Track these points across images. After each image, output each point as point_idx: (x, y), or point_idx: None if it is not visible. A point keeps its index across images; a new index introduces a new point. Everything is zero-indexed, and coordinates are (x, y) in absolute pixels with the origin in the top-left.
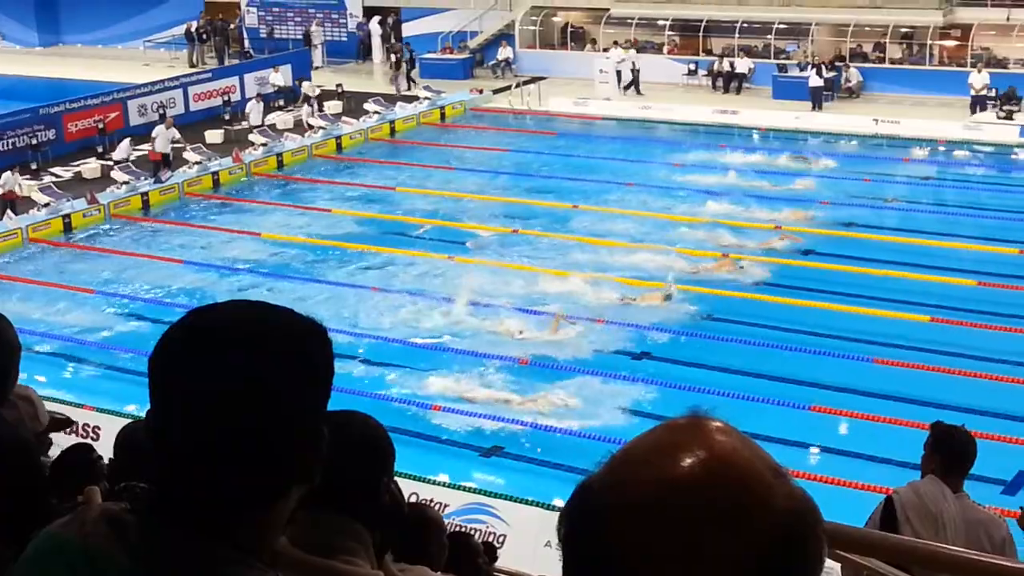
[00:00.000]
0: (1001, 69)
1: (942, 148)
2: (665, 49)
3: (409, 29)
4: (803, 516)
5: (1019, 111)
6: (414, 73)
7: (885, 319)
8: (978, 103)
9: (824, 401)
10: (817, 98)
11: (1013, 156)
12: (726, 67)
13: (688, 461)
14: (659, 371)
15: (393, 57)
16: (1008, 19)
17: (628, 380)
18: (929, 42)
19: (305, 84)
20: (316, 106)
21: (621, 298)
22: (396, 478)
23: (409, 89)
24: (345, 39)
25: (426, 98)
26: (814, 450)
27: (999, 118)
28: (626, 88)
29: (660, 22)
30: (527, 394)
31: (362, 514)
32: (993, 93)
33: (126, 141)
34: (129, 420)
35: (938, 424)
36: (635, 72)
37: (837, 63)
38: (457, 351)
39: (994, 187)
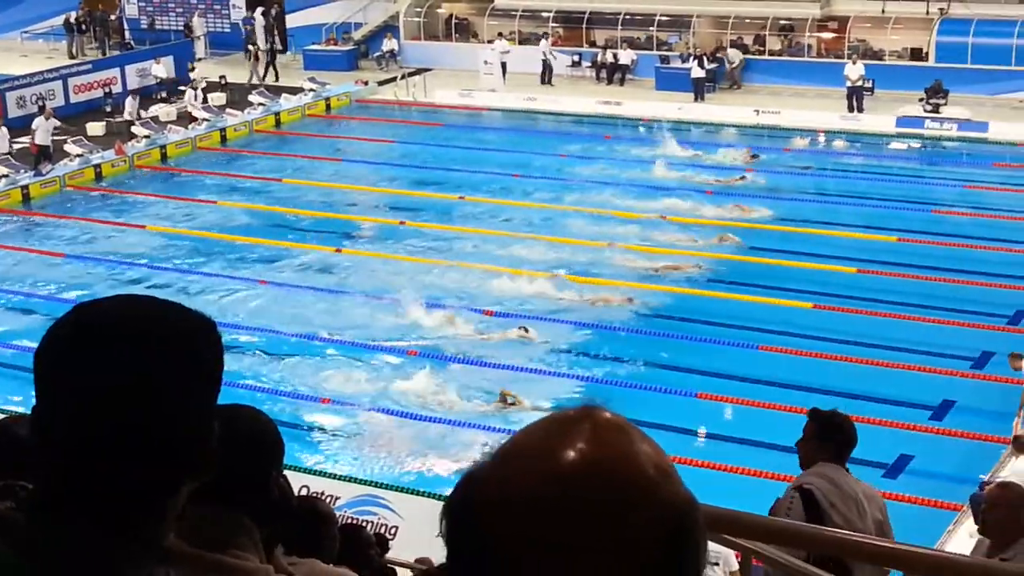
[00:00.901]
0: (877, 61)
1: (822, 138)
2: (549, 41)
3: (293, 20)
4: (685, 514)
5: (946, 104)
6: (295, 63)
7: (769, 306)
8: (854, 94)
9: (711, 389)
10: (699, 89)
11: (889, 146)
12: (610, 59)
13: (572, 455)
14: (546, 358)
15: (251, 47)
16: (883, 11)
17: (513, 370)
18: (807, 34)
19: (195, 73)
20: (200, 98)
21: (509, 288)
22: (286, 471)
23: (264, 80)
24: (228, 30)
25: (311, 90)
26: (700, 436)
27: (925, 111)
28: (543, 81)
29: (544, 14)
30: (411, 383)
31: (250, 508)
32: (869, 84)
33: (3, 131)
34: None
35: (817, 411)
36: (547, 64)
37: (718, 55)
38: (346, 343)
39: (872, 176)
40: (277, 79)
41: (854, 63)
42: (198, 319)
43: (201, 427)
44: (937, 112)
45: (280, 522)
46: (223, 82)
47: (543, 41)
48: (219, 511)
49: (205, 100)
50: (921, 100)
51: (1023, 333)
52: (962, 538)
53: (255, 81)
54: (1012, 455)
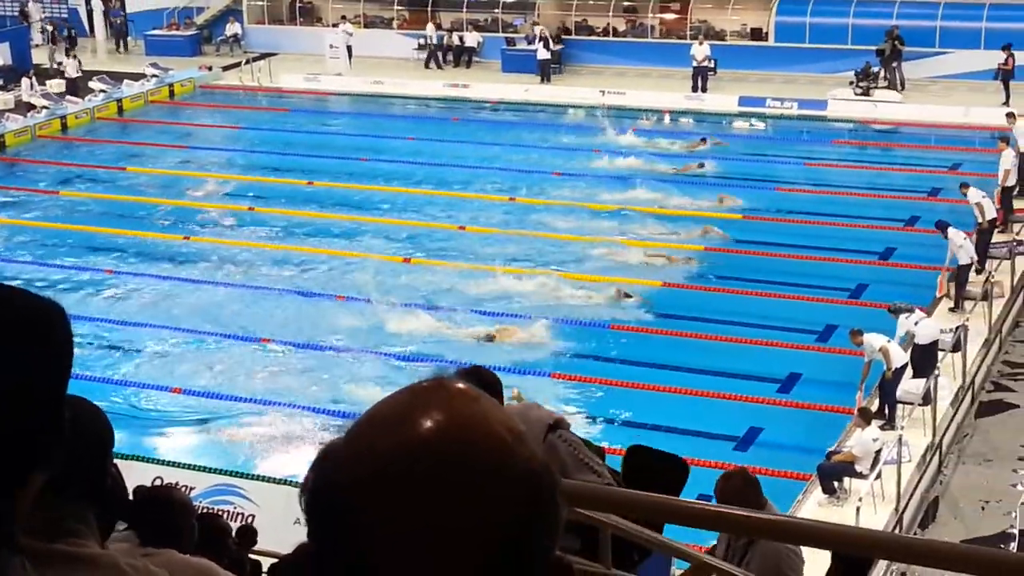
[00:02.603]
0: (719, 41)
1: (667, 118)
2: (395, 24)
3: (133, 5)
4: (542, 478)
5: (876, 87)
6: (137, 49)
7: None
8: (699, 74)
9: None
10: (545, 71)
11: (733, 125)
12: (455, 41)
13: (426, 425)
14: (371, 338)
15: (51, 28)
16: None
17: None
18: (650, 15)
19: (69, 63)
20: (35, 84)
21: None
22: (138, 462)
23: (62, 64)
24: (66, 15)
25: (154, 76)
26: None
27: (856, 95)
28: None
29: None
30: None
31: (85, 496)
32: (713, 64)
33: None
34: None
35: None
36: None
37: (563, 36)
38: (205, 333)
39: (717, 156)
40: (63, 63)
41: (700, 43)
42: (47, 305)
43: (53, 416)
44: (868, 95)
45: (113, 509)
46: (61, 69)
47: (345, 24)
48: (56, 501)
49: (42, 85)
50: (851, 84)
51: (865, 306)
52: (811, 507)
53: (55, 66)
54: (856, 426)
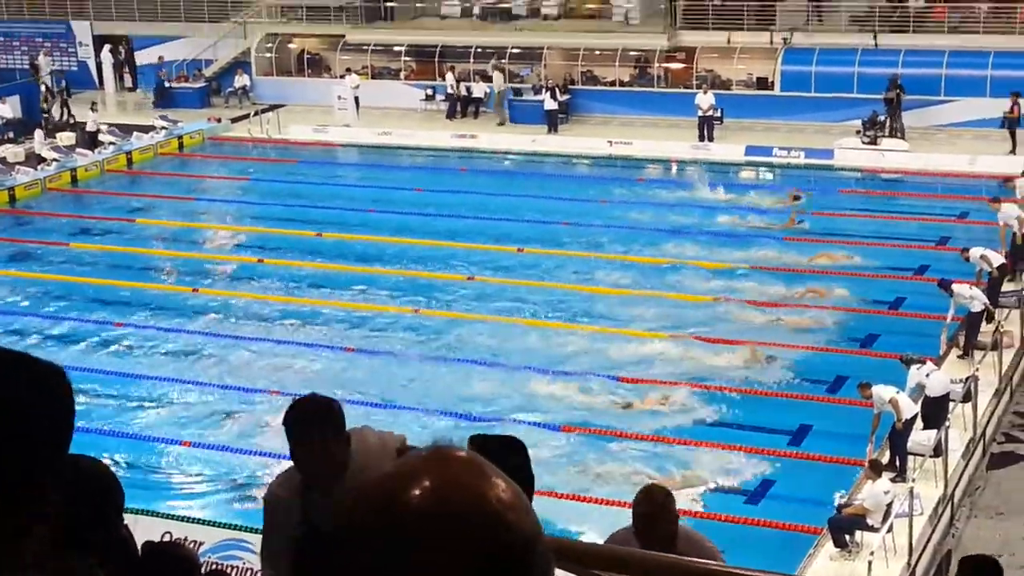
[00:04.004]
0: (725, 90)
1: (674, 167)
2: (402, 75)
3: (142, 57)
4: (529, 546)
5: (885, 135)
6: (146, 101)
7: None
8: (705, 123)
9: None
10: (552, 121)
11: (739, 174)
12: (463, 92)
13: (418, 490)
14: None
15: (43, 87)
16: (729, 42)
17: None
18: (656, 65)
19: (91, 116)
20: (44, 137)
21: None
22: (147, 516)
23: (62, 118)
24: (75, 68)
25: (163, 128)
26: None
27: (863, 144)
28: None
29: (396, 48)
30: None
31: (93, 551)
32: (719, 113)
33: None
34: None
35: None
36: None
37: (570, 86)
38: (216, 386)
39: (725, 207)
40: (62, 117)
41: (704, 92)
42: (48, 367)
43: (53, 472)
44: (875, 144)
45: (121, 564)
46: (71, 121)
47: (351, 75)
48: (65, 554)
49: (53, 138)
50: (858, 133)
51: (876, 356)
52: (822, 561)
53: (53, 119)
54: (867, 479)
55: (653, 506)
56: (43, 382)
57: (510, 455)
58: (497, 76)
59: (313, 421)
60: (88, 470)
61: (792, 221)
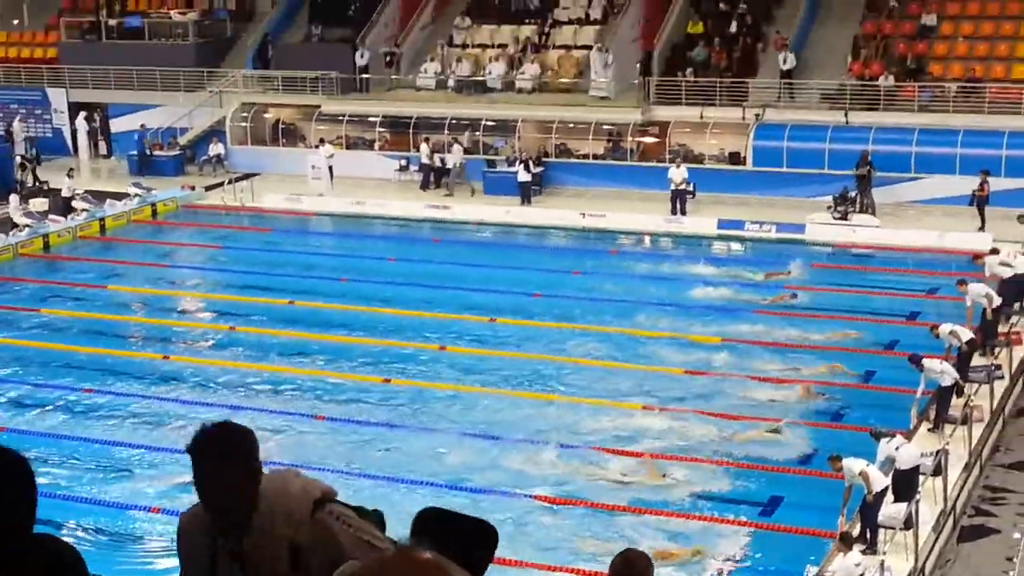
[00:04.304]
0: (697, 164)
1: (647, 240)
2: (376, 146)
3: (117, 125)
4: None
5: (855, 211)
6: (120, 169)
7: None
8: (677, 197)
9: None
10: (526, 192)
11: (710, 247)
12: (437, 163)
13: None
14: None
15: (18, 158)
16: (702, 117)
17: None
18: (629, 138)
19: (67, 182)
20: (19, 203)
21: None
22: None
23: (34, 183)
24: (50, 135)
25: (136, 195)
26: None
27: (835, 219)
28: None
29: (371, 119)
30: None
31: None
32: (692, 187)
33: None
34: None
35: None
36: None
37: (544, 158)
38: (172, 450)
39: (696, 279)
40: (35, 184)
41: (678, 166)
42: (10, 455)
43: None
44: (846, 219)
45: None
46: (45, 187)
47: (326, 145)
48: None
49: (26, 204)
50: (829, 208)
51: (846, 429)
52: None
53: (26, 185)
54: (838, 551)
55: (632, 569)
56: (5, 466)
57: (473, 548)
58: (456, 148)
59: (222, 452)
60: (47, 549)
61: (783, 297)
